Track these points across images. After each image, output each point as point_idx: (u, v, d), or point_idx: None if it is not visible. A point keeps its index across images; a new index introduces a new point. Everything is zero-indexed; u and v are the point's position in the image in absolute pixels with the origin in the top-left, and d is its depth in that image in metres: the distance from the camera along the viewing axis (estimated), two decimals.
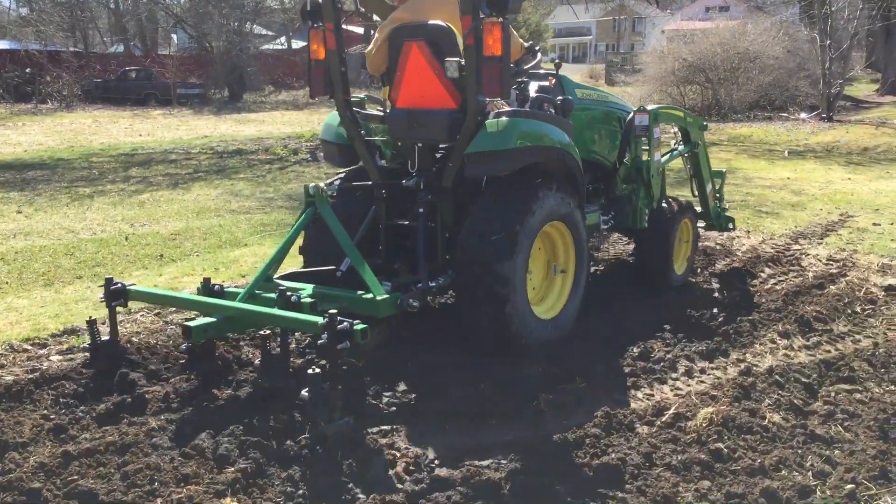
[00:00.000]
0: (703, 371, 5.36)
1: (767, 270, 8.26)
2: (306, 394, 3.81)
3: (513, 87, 5.56)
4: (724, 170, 8.89)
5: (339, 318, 3.86)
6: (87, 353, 4.96)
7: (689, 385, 5.14)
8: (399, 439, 4.22)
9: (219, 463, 3.85)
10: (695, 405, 4.55)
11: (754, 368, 5.28)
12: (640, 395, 4.94)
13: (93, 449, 3.88)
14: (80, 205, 12.46)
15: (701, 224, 8.10)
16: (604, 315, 6.19)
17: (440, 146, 5.57)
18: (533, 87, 6.01)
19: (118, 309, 5.06)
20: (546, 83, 6.18)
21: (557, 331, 5.55)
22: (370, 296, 4.73)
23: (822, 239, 10.24)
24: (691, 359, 5.50)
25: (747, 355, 5.64)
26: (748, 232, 10.13)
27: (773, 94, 27.82)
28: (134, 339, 5.67)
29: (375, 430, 4.29)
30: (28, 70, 36.87)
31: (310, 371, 3.76)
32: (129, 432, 4.09)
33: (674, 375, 5.25)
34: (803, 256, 9.05)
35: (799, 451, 4.18)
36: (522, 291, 5.14)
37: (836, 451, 4.21)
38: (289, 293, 4.59)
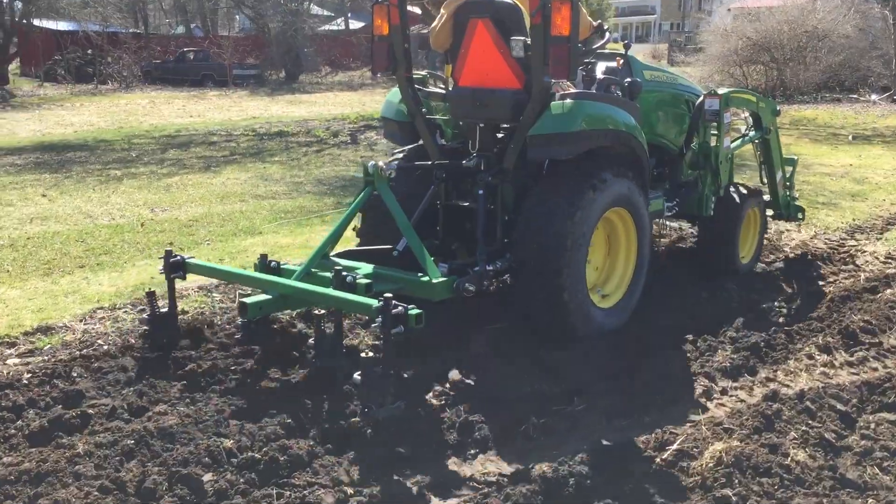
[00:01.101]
0: (724, 392, 4.71)
1: (815, 270, 7.49)
2: (358, 377, 3.75)
3: (580, 67, 5.47)
4: (795, 157, 8.30)
5: (393, 301, 3.79)
6: (146, 326, 4.99)
7: (706, 409, 4.49)
8: (343, 474, 3.65)
9: (143, 499, 3.37)
10: (704, 439, 3.92)
11: (783, 391, 4.61)
12: (646, 420, 4.31)
13: (2, 479, 3.44)
14: (106, 188, 12.19)
15: (769, 213, 7.72)
16: None
17: (502, 126, 5.41)
18: (600, 68, 5.89)
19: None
20: (613, 64, 5.98)
21: (616, 320, 5.43)
22: (426, 278, 4.66)
23: (881, 234, 9.38)
24: (712, 377, 4.85)
25: (778, 374, 4.97)
26: (799, 225, 9.31)
27: (843, 74, 26.45)
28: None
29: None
30: (89, 51, 37.15)
31: (363, 354, 3.73)
32: (49, 458, 3.64)
33: (688, 397, 4.61)
34: (858, 254, 8.25)
35: (824, 501, 3.52)
36: (581, 279, 5.00)
37: (870, 501, 3.55)
38: (344, 273, 4.49)
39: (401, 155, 5.84)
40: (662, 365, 4.95)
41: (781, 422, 4.18)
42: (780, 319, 5.92)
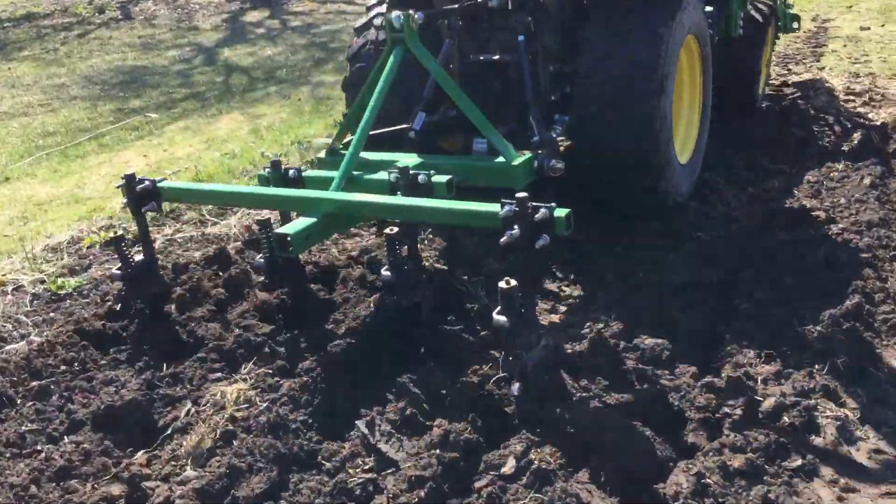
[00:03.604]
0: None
1: (795, 131, 5.61)
2: (503, 318, 2.76)
3: None
4: None
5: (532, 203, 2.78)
6: (120, 283, 3.70)
7: None
8: None
9: None
10: None
11: None
12: None
13: None
14: None
15: None
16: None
17: None
18: None
19: None
20: None
21: (690, 179, 4.53)
22: (500, 160, 3.72)
23: (818, 60, 7.70)
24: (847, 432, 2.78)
25: None
26: None
27: None
28: None
29: None
30: None
31: (502, 284, 2.75)
32: None
33: None
34: (812, 94, 6.52)
35: None
36: (669, 131, 4.06)
37: None
38: (413, 171, 3.39)
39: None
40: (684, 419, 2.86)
41: None
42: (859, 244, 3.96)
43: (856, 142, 5.20)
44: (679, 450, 2.64)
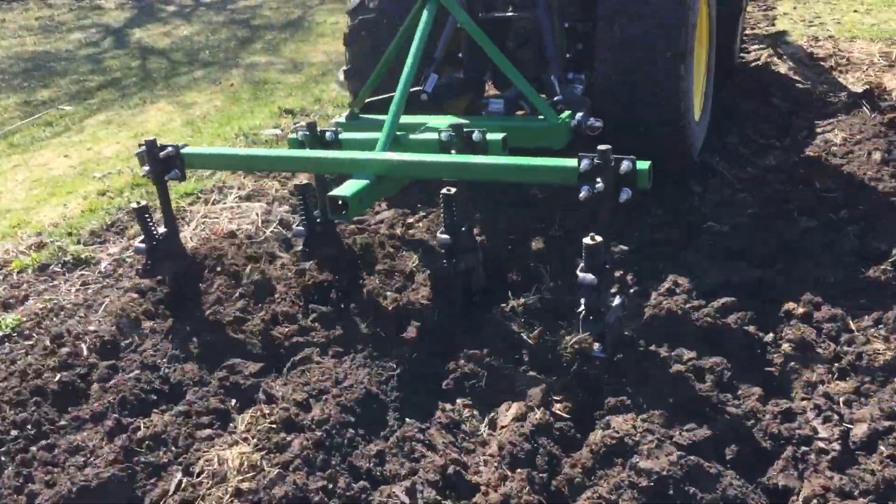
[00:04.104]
0: None
1: (777, 101, 5.35)
2: (590, 275, 2.66)
3: None
4: None
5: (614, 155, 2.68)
6: (142, 256, 3.49)
7: None
8: None
9: None
10: None
11: None
12: None
13: None
14: None
15: None
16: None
17: None
18: None
19: None
20: None
21: (701, 136, 4.48)
22: (542, 119, 3.63)
23: (773, 24, 7.51)
24: None
25: None
26: None
27: None
28: None
29: None
30: None
31: (587, 241, 2.67)
32: None
33: None
34: (775, 61, 6.30)
35: None
36: (692, 85, 4.01)
37: None
38: (468, 129, 3.23)
39: None
40: None
41: None
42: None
43: (844, 111, 4.97)
44: (770, 494, 2.31)
